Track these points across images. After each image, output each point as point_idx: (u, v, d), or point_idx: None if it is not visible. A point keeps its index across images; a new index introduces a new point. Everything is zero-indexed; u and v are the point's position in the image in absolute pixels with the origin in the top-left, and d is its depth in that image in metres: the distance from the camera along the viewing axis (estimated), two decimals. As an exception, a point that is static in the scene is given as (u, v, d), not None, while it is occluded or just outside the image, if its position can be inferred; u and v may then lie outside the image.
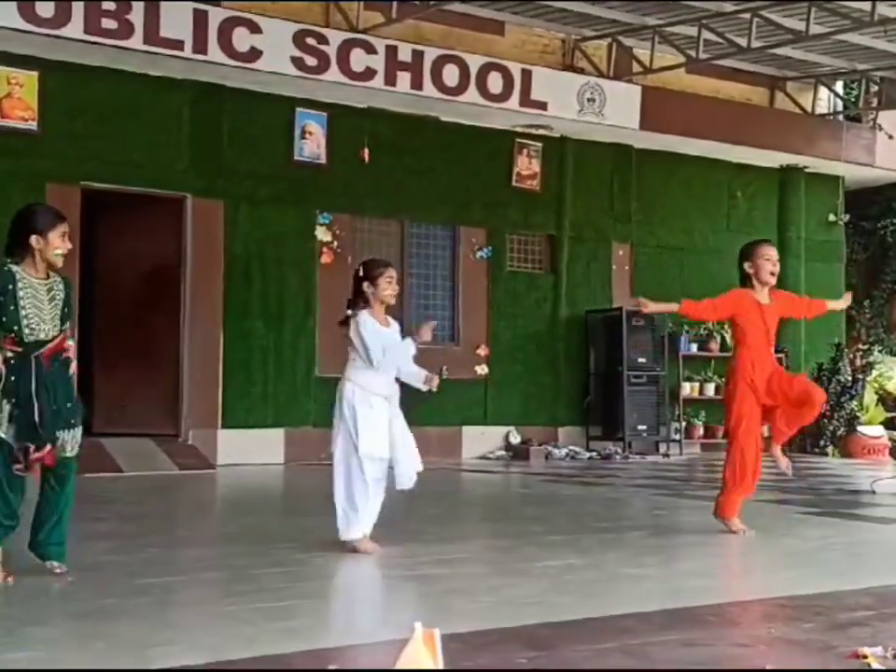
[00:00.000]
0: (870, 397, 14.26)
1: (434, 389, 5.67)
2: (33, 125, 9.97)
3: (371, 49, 10.89)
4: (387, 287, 5.49)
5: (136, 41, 9.74)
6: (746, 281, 6.27)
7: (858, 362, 13.77)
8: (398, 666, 1.76)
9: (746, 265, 6.23)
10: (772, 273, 6.19)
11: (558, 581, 4.82)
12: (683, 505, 8.14)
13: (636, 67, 12.80)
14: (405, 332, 5.73)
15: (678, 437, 13.10)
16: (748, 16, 11.54)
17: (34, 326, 4.51)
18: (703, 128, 12.96)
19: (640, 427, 12.77)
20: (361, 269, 5.59)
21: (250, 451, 10.78)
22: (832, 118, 14.67)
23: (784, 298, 6.54)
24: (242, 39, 10.23)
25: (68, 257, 10.77)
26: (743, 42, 11.84)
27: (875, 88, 14.42)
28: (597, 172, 13.11)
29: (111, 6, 9.58)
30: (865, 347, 14.42)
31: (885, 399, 14.81)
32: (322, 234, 11.56)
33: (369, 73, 10.89)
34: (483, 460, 12.01)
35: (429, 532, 6.34)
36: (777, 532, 6.37)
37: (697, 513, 7.56)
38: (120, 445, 10.27)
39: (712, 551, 5.78)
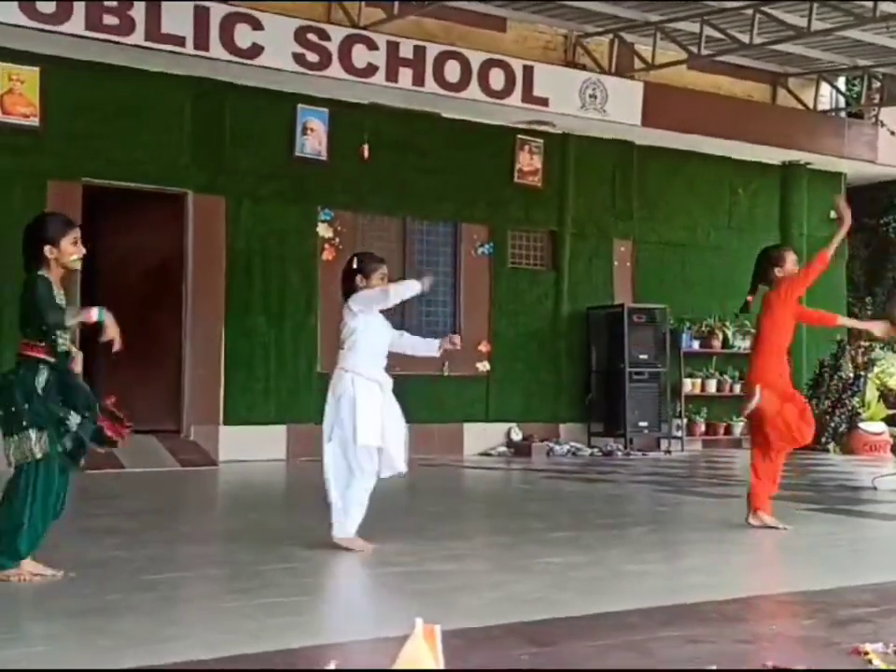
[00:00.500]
0: (871, 393, 14.25)
1: (457, 346, 5.61)
2: (34, 122, 9.97)
3: (372, 46, 10.88)
4: (379, 283, 5.51)
5: (137, 37, 9.74)
6: (770, 283, 6.33)
7: (859, 359, 13.77)
8: (398, 662, 1.76)
9: (776, 270, 6.29)
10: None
11: (560, 578, 4.82)
12: (685, 501, 8.14)
13: (637, 64, 12.79)
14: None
15: (679, 433, 13.10)
16: (750, 12, 11.53)
17: (66, 337, 4.58)
18: (705, 124, 12.95)
19: (642, 424, 12.77)
20: (355, 261, 5.58)
21: (252, 447, 10.78)
22: (834, 114, 14.65)
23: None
24: (243, 35, 10.22)
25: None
26: (745, 38, 11.82)
27: (877, 84, 14.40)
28: (599, 168, 13.10)
29: (112, 3, 9.57)
30: (867, 344, 14.41)
31: (886, 396, 14.80)
32: (324, 231, 11.56)
33: (370, 69, 10.89)
34: (485, 457, 12.02)
35: (432, 528, 6.34)
36: (779, 529, 6.36)
37: (699, 509, 7.57)
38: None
39: (714, 547, 5.78)
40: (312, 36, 10.58)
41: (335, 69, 10.70)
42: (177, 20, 9.86)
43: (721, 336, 13.62)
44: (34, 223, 4.68)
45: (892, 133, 14.32)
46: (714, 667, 3.11)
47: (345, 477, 5.39)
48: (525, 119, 12.27)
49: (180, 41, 9.94)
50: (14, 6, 9.15)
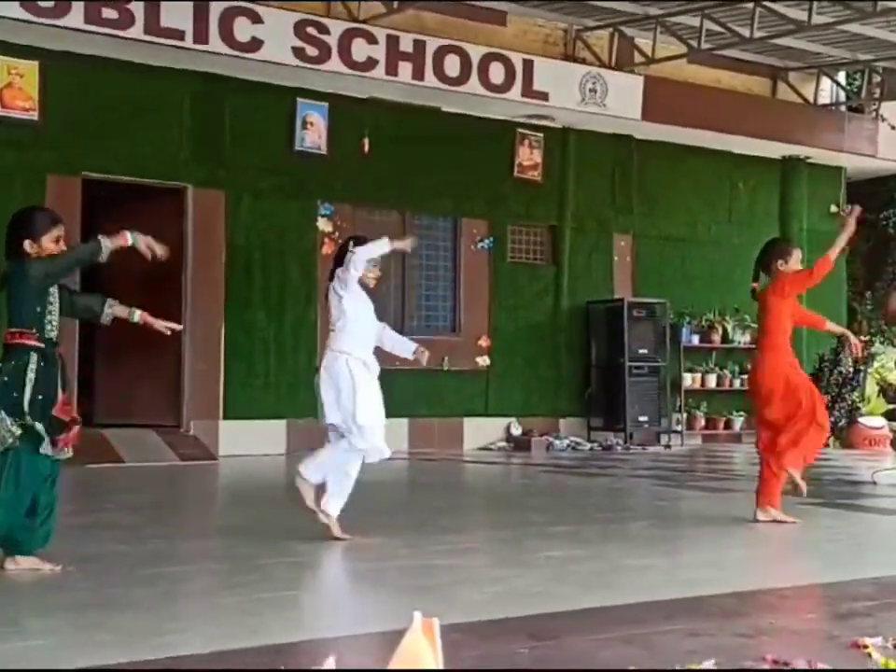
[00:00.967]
0: (871, 388, 14.26)
1: (423, 362, 5.71)
2: (34, 115, 9.95)
3: (372, 39, 10.87)
4: (372, 269, 5.57)
5: (137, 31, 9.72)
6: (770, 274, 6.33)
7: (859, 353, 13.76)
8: (396, 656, 1.75)
9: (779, 263, 6.28)
10: None
11: (560, 572, 4.82)
12: (685, 496, 8.14)
13: (637, 57, 12.77)
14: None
15: (679, 428, 13.11)
16: (750, 6, 11.50)
17: (55, 324, 4.57)
18: (705, 118, 12.94)
19: (642, 419, 12.77)
20: (350, 245, 5.60)
21: (252, 441, 10.78)
22: (834, 108, 14.63)
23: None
24: (242, 29, 10.21)
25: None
26: (745, 32, 11.80)
27: (877, 78, 14.38)
28: (599, 162, 13.09)
29: (112, -3, 9.56)
30: (867, 338, 14.41)
31: (886, 391, 14.81)
32: (323, 225, 11.55)
33: (370, 63, 10.87)
34: (485, 451, 12.02)
35: (431, 523, 6.34)
36: (779, 523, 6.36)
37: (699, 504, 7.56)
38: (122, 436, 10.28)
39: (714, 542, 5.78)
40: (311, 30, 10.56)
41: (335, 63, 10.68)
42: (177, 14, 9.84)
43: (720, 331, 13.62)
44: (18, 215, 4.68)
45: (893, 127, 14.30)
46: (713, 661, 3.11)
47: (343, 457, 5.41)
48: (525, 113, 12.26)
49: (180, 35, 9.92)
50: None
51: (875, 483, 8.80)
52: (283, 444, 11.06)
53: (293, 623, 3.80)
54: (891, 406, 14.32)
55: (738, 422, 13.49)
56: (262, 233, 11.19)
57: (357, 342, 5.46)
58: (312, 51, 10.57)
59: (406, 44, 11.05)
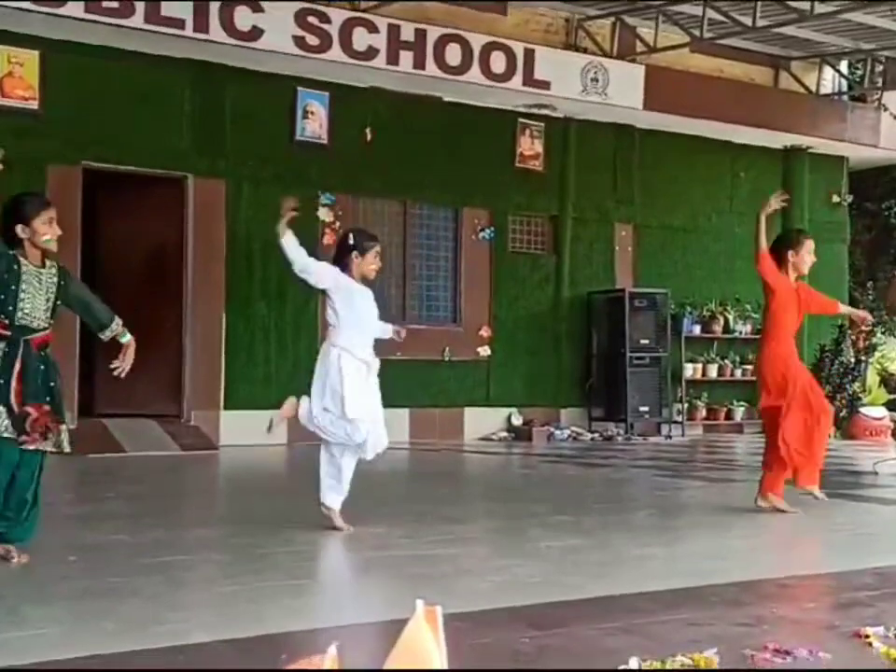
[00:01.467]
0: (872, 378, 14.26)
1: (400, 339, 5.69)
2: (34, 105, 9.93)
3: (373, 28, 10.83)
4: (373, 261, 5.54)
5: (137, 20, 9.69)
6: (780, 264, 6.31)
7: (860, 344, 13.75)
8: (399, 644, 1.75)
9: (790, 253, 6.27)
10: (808, 267, 6.38)
11: (562, 562, 4.82)
12: (686, 486, 8.14)
13: (639, 47, 12.73)
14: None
15: (680, 418, 13.11)
16: (752, -6, 11.47)
17: (27, 312, 4.50)
18: (706, 108, 12.90)
19: (642, 409, 12.77)
20: (351, 237, 5.58)
21: (253, 432, 10.72)
22: (836, 98, 14.60)
23: (806, 289, 6.54)
24: (243, 18, 10.17)
25: (69, 238, 10.70)
26: (748, 21, 11.77)
27: (880, 68, 14.34)
28: (600, 152, 13.06)
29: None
30: (868, 329, 14.40)
31: (887, 381, 14.80)
32: (324, 215, 11.53)
33: (371, 52, 10.84)
34: (486, 441, 12.02)
35: (433, 513, 6.34)
36: (780, 513, 6.36)
37: (700, 494, 7.57)
38: (123, 426, 10.28)
39: (715, 531, 5.79)
40: (312, 19, 10.53)
41: (336, 52, 10.65)
42: (177, 3, 9.80)
43: (722, 321, 13.61)
44: (10, 201, 4.65)
45: (895, 116, 14.26)
46: (714, 650, 3.11)
47: (336, 451, 5.41)
48: (527, 102, 12.23)
49: (180, 24, 9.89)
50: (13, -12, 9.11)
51: (876, 473, 8.81)
52: (284, 435, 11.03)
53: (295, 611, 3.80)
54: (892, 396, 14.31)
55: (739, 412, 13.49)
56: (263, 223, 11.12)
57: (353, 340, 5.41)
58: (312, 40, 10.54)
59: (407, 33, 11.02)
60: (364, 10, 10.88)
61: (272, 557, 4.79)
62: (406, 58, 11.03)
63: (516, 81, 11.68)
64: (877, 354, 14.61)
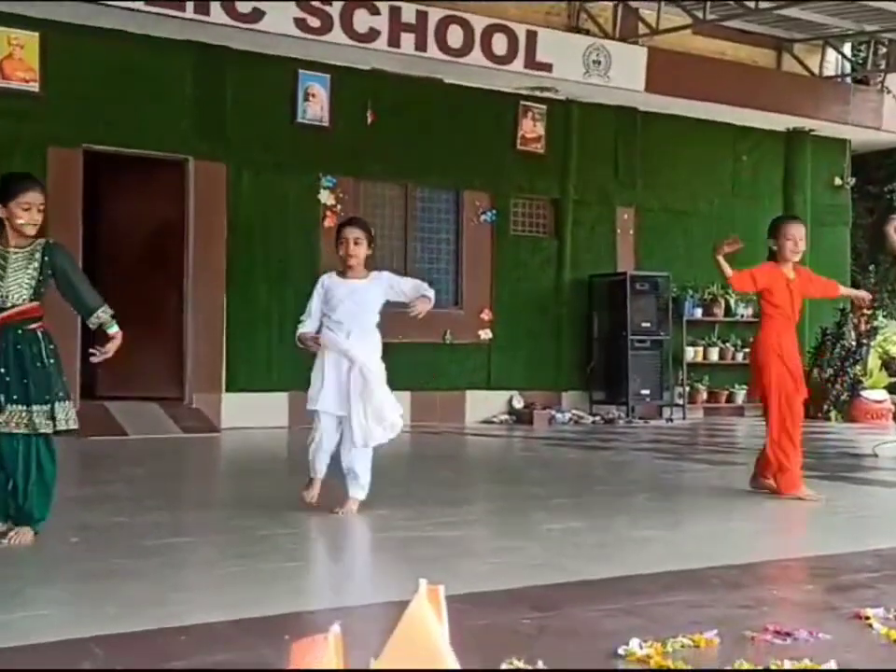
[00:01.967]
0: (874, 361, 14.25)
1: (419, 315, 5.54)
2: (34, 87, 9.90)
3: (374, 10, 10.79)
4: (340, 247, 5.47)
5: (138, 2, 9.65)
6: (773, 255, 6.34)
7: (862, 327, 13.75)
8: (402, 623, 1.76)
9: (771, 241, 6.30)
10: (793, 252, 6.26)
11: (564, 544, 4.84)
12: (687, 469, 8.16)
13: (642, 29, 12.68)
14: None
15: (681, 401, 13.12)
16: (755, -24, 11.42)
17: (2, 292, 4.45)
18: (709, 90, 12.86)
19: (644, 392, 12.78)
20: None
21: (254, 414, 10.81)
22: (839, 80, 14.54)
23: (806, 274, 6.51)
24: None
25: (70, 220, 10.67)
26: (751, 3, 11.71)
27: (883, 50, 14.28)
28: (602, 135, 13.03)
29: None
30: (870, 312, 14.38)
31: (888, 364, 14.80)
32: (325, 198, 11.51)
33: (372, 34, 10.80)
34: (487, 424, 12.04)
35: (434, 495, 6.36)
36: (780, 495, 6.37)
37: (701, 477, 7.58)
38: (125, 409, 10.30)
39: (716, 514, 5.80)
40: (313, 1, 10.48)
41: (337, 34, 10.61)
42: (177, -16, 9.77)
43: (723, 304, 13.61)
44: None
45: (898, 99, 14.22)
46: (714, 631, 3.12)
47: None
48: (528, 84, 12.19)
49: (181, 6, 9.85)
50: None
51: (876, 455, 8.83)
52: (285, 417, 11.08)
53: (297, 593, 3.82)
54: (894, 380, 14.31)
55: (740, 395, 13.50)
56: (264, 206, 11.16)
57: (332, 337, 5.40)
58: (314, 22, 10.50)
59: (408, 15, 10.97)
60: (365, -8, 10.83)
61: (273, 539, 4.81)
62: (407, 40, 10.99)
63: (518, 63, 11.63)
64: (879, 337, 14.59)
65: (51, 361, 4.58)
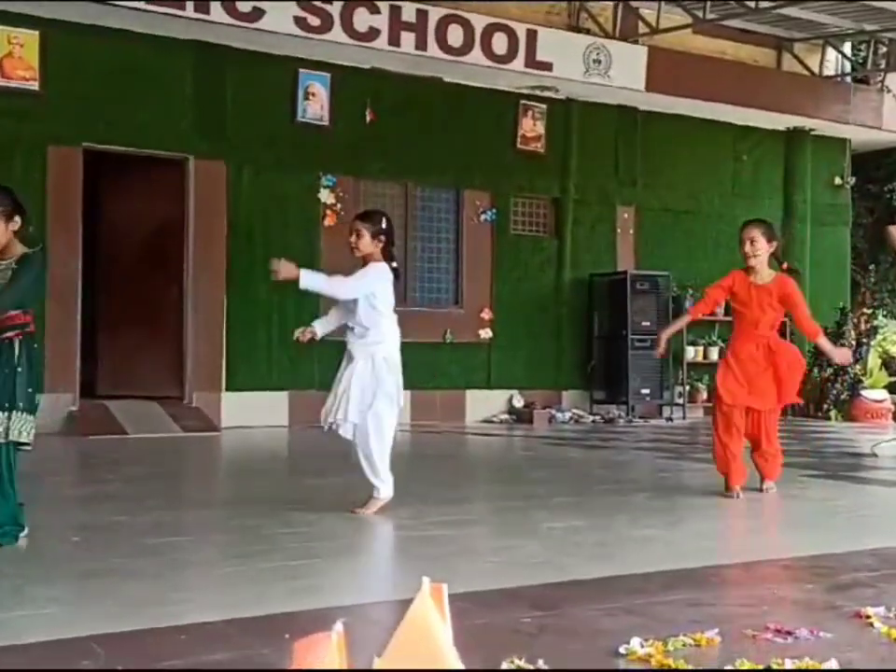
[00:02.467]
0: (874, 361, 14.27)
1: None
2: (34, 85, 9.90)
3: (374, 9, 10.78)
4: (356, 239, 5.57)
5: (138, 1, 9.64)
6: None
7: (862, 326, 13.76)
8: (405, 621, 1.76)
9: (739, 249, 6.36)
10: (749, 254, 6.19)
11: (564, 543, 4.84)
12: (687, 468, 8.16)
13: (642, 28, 12.68)
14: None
15: (681, 401, 13.12)
16: (756, -25, 11.42)
17: None
18: (709, 90, 12.86)
19: (644, 391, 12.78)
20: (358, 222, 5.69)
21: (254, 413, 10.80)
22: (839, 80, 14.54)
23: (787, 289, 6.26)
24: (244, -1, 10.13)
25: (70, 219, 10.68)
26: (751, 2, 11.71)
27: (883, 49, 14.28)
28: (602, 134, 13.02)
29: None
30: (870, 311, 14.40)
31: (888, 364, 14.81)
32: (325, 197, 11.51)
33: (372, 33, 10.79)
34: (487, 423, 12.04)
35: (434, 494, 6.36)
36: (779, 494, 6.38)
37: (701, 476, 7.58)
38: (125, 408, 10.30)
39: (717, 513, 5.80)
40: (314, 0, 10.47)
41: (337, 33, 10.61)
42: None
43: (723, 304, 13.58)
44: None
45: (898, 98, 14.21)
46: (715, 630, 3.12)
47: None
48: (529, 84, 12.19)
49: (181, 5, 9.85)
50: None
51: (875, 455, 8.83)
52: (285, 416, 11.08)
53: (298, 592, 3.82)
54: (893, 379, 14.32)
55: (740, 395, 13.47)
56: (264, 205, 11.15)
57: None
58: (314, 21, 10.50)
59: (409, 14, 10.97)
60: (365, -9, 10.83)
61: (273, 538, 4.81)
62: (408, 39, 10.99)
63: (518, 63, 11.63)
64: (879, 336, 14.60)
65: (20, 370, 4.46)
